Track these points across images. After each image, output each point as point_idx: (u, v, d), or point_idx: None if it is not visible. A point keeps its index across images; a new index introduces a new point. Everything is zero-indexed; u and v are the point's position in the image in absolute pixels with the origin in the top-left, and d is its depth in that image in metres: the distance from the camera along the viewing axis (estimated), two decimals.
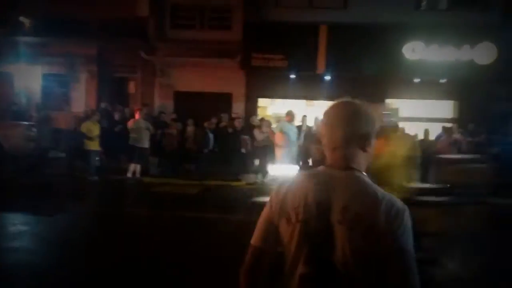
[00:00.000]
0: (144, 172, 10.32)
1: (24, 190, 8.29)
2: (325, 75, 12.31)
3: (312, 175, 1.37)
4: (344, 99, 1.45)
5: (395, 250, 1.21)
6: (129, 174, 9.79)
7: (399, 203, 1.28)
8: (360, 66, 11.94)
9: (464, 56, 11.69)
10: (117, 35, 12.45)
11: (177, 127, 11.77)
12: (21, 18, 12.94)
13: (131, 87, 13.94)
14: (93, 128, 9.71)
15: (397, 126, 4.34)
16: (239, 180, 11.16)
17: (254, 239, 1.40)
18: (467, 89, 12.35)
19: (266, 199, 1.44)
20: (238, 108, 13.48)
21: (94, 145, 9.66)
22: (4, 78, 13.39)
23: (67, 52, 12.72)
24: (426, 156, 10.89)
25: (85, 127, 9.65)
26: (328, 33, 11.98)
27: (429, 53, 11.83)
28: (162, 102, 13.62)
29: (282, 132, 8.91)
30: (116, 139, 10.66)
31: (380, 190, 1.31)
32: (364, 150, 1.38)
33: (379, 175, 3.78)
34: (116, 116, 11.65)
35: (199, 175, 11.02)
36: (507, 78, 12.11)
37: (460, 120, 12.55)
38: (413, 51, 11.81)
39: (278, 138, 9.00)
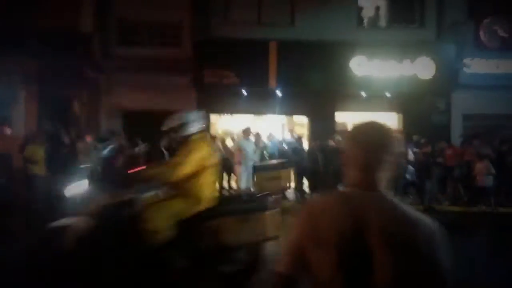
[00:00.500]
0: None
1: None
2: (276, 90, 12.46)
3: (341, 197, 1.30)
4: (372, 122, 1.39)
5: (437, 270, 1.17)
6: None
7: (432, 221, 1.26)
8: (309, 81, 12.24)
9: (406, 70, 12.35)
10: (59, 52, 11.82)
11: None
12: None
13: (75, 107, 13.25)
14: (37, 152, 9.03)
15: (204, 133, 4.28)
16: None
17: (282, 266, 1.30)
18: (410, 102, 13.05)
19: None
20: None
21: (39, 170, 8.98)
22: None
23: (4, 70, 11.85)
24: None
25: (30, 150, 8.97)
26: (278, 50, 12.19)
27: (374, 68, 12.38)
28: (109, 122, 13.07)
29: (240, 149, 8.85)
30: (61, 163, 10.04)
31: (412, 210, 1.29)
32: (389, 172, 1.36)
33: (182, 185, 3.83)
34: (63, 138, 10.98)
35: None
36: (444, 91, 12.99)
37: (405, 131, 13.17)
38: (359, 66, 12.30)
39: (236, 155, 8.92)
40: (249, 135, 9.33)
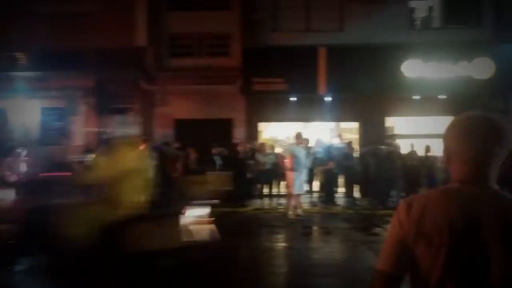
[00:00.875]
0: None
1: None
2: (325, 97, 12.37)
3: (449, 192, 1.25)
4: (480, 113, 1.33)
5: None
6: None
7: None
8: (359, 86, 12.03)
9: (462, 72, 11.87)
10: (114, 66, 12.43)
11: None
12: (16, 53, 12.88)
13: (130, 118, 13.79)
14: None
15: (131, 138, 4.07)
16: (244, 205, 10.99)
17: (383, 264, 1.26)
18: (466, 104, 12.47)
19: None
20: (239, 133, 13.45)
21: None
22: None
23: (64, 85, 12.62)
24: (430, 172, 11.02)
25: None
26: (327, 55, 12.10)
27: (427, 70, 11.99)
28: (163, 131, 13.50)
29: (292, 155, 8.80)
30: None
31: None
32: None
33: (103, 189, 3.66)
34: None
35: None
36: (503, 91, 12.35)
37: None
38: (412, 68, 11.95)
39: (288, 162, 8.88)
40: (301, 141, 9.28)
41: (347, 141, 12.22)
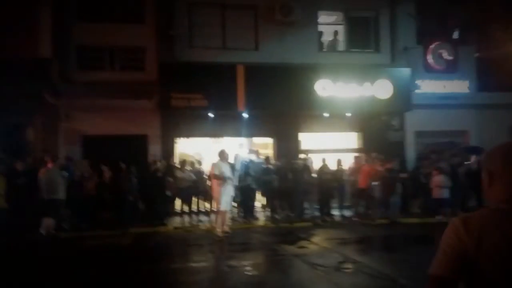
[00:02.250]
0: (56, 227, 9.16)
1: None
2: (243, 113, 12.58)
3: (503, 213, 1.37)
4: None
5: None
6: (42, 231, 8.60)
7: None
8: (275, 103, 12.48)
9: (366, 91, 12.97)
10: (16, 78, 11.25)
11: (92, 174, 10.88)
12: None
13: (30, 134, 12.55)
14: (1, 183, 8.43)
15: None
16: (164, 224, 10.63)
17: (442, 270, 1.37)
18: (368, 121, 13.73)
19: None
20: (154, 149, 12.99)
21: (1, 202, 8.36)
22: None
23: None
24: (341, 183, 11.81)
25: None
26: (245, 73, 12.35)
27: (336, 89, 12.87)
28: (68, 148, 12.48)
29: (220, 171, 8.77)
30: (19, 193, 9.45)
31: None
32: None
33: None
34: (19, 167, 10.36)
35: (120, 223, 10.23)
36: (399, 110, 13.78)
37: (365, 149, 13.71)
38: (323, 88, 12.73)
39: (215, 178, 8.82)
40: (225, 157, 9.31)
41: (264, 156, 12.55)
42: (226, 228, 9.11)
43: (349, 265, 6.31)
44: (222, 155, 9.22)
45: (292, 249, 7.54)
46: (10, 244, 8.11)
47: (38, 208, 9.20)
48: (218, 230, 8.85)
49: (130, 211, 10.61)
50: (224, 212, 9.12)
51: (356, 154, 13.02)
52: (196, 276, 5.85)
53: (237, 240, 8.46)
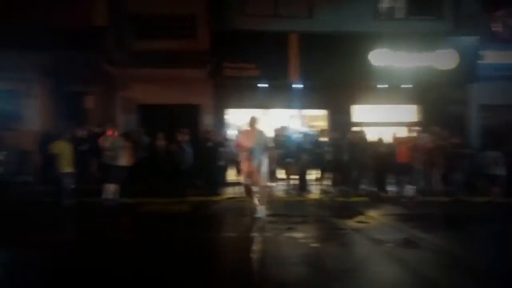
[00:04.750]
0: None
1: None
2: (296, 84, 12.32)
3: None
4: None
5: None
6: (106, 196, 8.96)
7: None
8: (328, 74, 12.12)
9: (425, 61, 12.29)
10: (73, 46, 11.54)
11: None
12: None
13: (89, 102, 12.96)
14: (65, 148, 8.79)
15: None
16: (218, 194, 10.77)
17: None
18: (428, 93, 13.05)
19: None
20: (206, 119, 13.08)
21: (67, 167, 8.74)
22: None
23: (18, 66, 11.51)
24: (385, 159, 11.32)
25: (57, 147, 8.72)
26: (298, 42, 12.01)
27: (393, 59, 12.29)
28: (125, 116, 12.80)
29: (245, 142, 7.78)
30: (82, 158, 9.84)
31: None
32: None
33: None
34: (80, 133, 10.77)
35: (175, 191, 10.49)
36: (462, 81, 12.99)
37: (423, 123, 13.11)
38: (378, 58, 12.19)
39: (240, 149, 8.00)
40: (255, 125, 7.93)
41: (318, 128, 12.32)
42: (259, 207, 7.81)
43: (412, 241, 6.12)
44: (252, 123, 7.96)
45: (351, 223, 7.40)
46: (76, 207, 8.52)
47: (100, 173, 9.58)
48: (258, 207, 7.80)
49: (183, 179, 10.83)
50: (247, 187, 7.97)
51: (413, 128, 12.50)
52: (258, 246, 5.87)
53: (294, 212, 8.41)
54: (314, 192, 11.08)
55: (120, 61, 12.42)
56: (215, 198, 10.20)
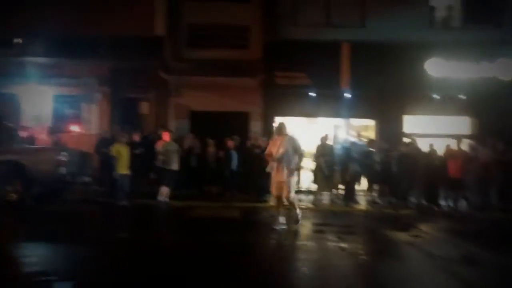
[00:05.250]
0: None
1: (52, 217, 7.75)
2: (346, 93, 12.25)
3: None
4: None
5: None
6: (160, 198, 9.34)
7: None
8: (380, 83, 11.98)
9: (485, 72, 11.84)
10: (131, 55, 12.12)
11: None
12: (30, 39, 12.44)
13: (144, 108, 13.53)
14: (123, 151, 9.26)
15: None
16: (265, 201, 10.86)
17: None
18: (487, 105, 12.51)
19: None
20: (255, 127, 13.28)
21: (124, 169, 9.19)
22: (9, 99, 12.78)
23: (79, 73, 12.26)
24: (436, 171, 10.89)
25: (115, 149, 9.20)
26: (350, 51, 11.97)
27: (450, 69, 11.95)
28: (177, 122, 13.25)
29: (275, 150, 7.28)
30: (137, 162, 10.29)
31: None
32: None
33: None
34: (136, 138, 11.26)
35: (222, 196, 10.73)
36: None
37: (477, 136, 12.58)
38: (434, 67, 11.90)
39: (268, 158, 7.44)
40: (284, 133, 7.44)
41: (366, 138, 12.14)
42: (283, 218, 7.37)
43: (470, 258, 5.89)
44: (279, 130, 7.45)
45: (403, 236, 7.24)
46: (131, 208, 8.92)
47: (154, 176, 9.97)
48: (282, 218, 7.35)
49: (231, 185, 11.04)
50: (278, 197, 7.37)
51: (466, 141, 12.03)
52: (308, 255, 5.89)
53: (342, 222, 8.34)
54: (361, 202, 10.92)
55: (176, 69, 12.89)
56: (262, 205, 10.30)
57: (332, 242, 6.58)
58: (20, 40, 12.59)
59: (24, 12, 12.30)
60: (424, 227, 8.14)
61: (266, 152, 7.50)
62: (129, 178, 9.32)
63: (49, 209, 8.58)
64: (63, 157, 8.56)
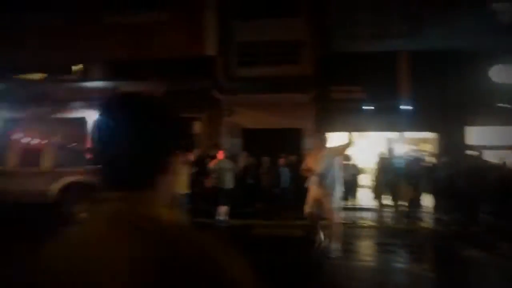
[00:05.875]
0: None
1: None
2: (404, 105, 11.77)
3: None
4: None
5: None
6: (219, 217, 9.30)
7: None
8: (441, 93, 11.41)
9: None
10: (184, 76, 12.38)
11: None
12: (87, 64, 13.11)
13: (196, 128, 13.71)
14: (181, 170, 9.34)
15: None
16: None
17: None
18: None
19: None
20: (308, 143, 13.02)
21: (183, 188, 9.26)
22: (77, 123, 13.41)
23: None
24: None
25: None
26: (407, 61, 11.54)
27: None
28: (230, 140, 13.30)
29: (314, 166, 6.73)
30: (193, 180, 10.35)
31: None
32: None
33: None
34: (191, 157, 11.38)
35: (280, 214, 10.53)
36: None
37: None
38: (500, 75, 11.18)
39: (306, 173, 6.94)
40: (322, 147, 6.96)
41: (428, 152, 11.57)
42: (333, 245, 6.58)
43: None
44: (318, 143, 7.12)
45: (479, 256, 6.70)
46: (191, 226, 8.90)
47: (211, 195, 9.98)
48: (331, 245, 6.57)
49: (284, 202, 10.84)
50: (311, 215, 6.79)
51: None
52: (376, 277, 5.56)
53: (410, 242, 7.87)
54: (425, 219, 10.32)
55: (228, 89, 13.00)
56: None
57: (399, 263, 6.19)
58: (81, 67, 13.37)
59: (82, 39, 12.97)
60: (503, 246, 7.50)
61: (304, 167, 6.95)
62: (189, 197, 9.36)
63: None
64: None
